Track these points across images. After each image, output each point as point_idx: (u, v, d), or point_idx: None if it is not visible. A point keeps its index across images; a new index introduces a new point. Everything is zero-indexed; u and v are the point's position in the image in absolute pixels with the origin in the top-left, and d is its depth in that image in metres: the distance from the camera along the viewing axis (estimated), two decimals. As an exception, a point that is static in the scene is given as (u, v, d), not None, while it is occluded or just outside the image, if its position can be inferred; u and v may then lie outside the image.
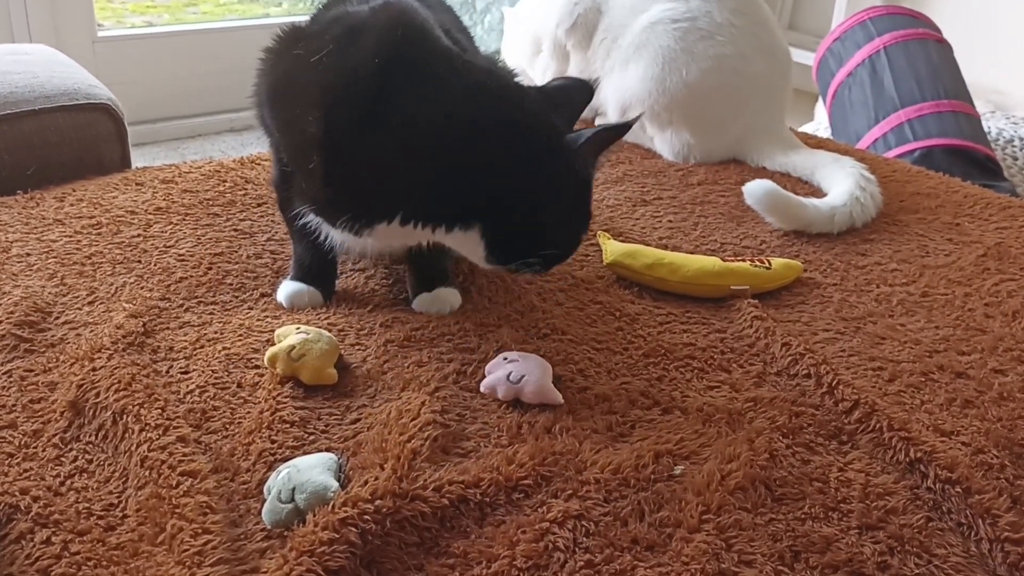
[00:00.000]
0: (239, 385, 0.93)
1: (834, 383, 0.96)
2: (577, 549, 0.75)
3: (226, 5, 3.54)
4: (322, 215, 1.02)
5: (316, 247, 1.07)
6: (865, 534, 0.79)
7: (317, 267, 1.10)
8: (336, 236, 1.03)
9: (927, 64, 2.40)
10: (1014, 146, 2.59)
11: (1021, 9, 2.96)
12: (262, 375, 0.94)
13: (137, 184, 1.36)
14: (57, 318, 1.03)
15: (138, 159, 2.04)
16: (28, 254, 1.16)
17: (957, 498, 0.82)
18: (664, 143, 1.65)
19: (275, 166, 1.10)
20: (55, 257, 1.15)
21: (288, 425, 0.87)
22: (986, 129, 2.46)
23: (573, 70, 1.75)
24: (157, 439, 0.83)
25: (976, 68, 2.56)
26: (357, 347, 1.00)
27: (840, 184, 1.42)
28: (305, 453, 0.83)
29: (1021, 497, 0.84)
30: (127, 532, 0.75)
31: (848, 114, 2.49)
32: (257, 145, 2.73)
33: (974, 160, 2.24)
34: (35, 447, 0.84)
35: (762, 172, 1.59)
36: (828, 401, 0.95)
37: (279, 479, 0.78)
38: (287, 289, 1.09)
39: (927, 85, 2.37)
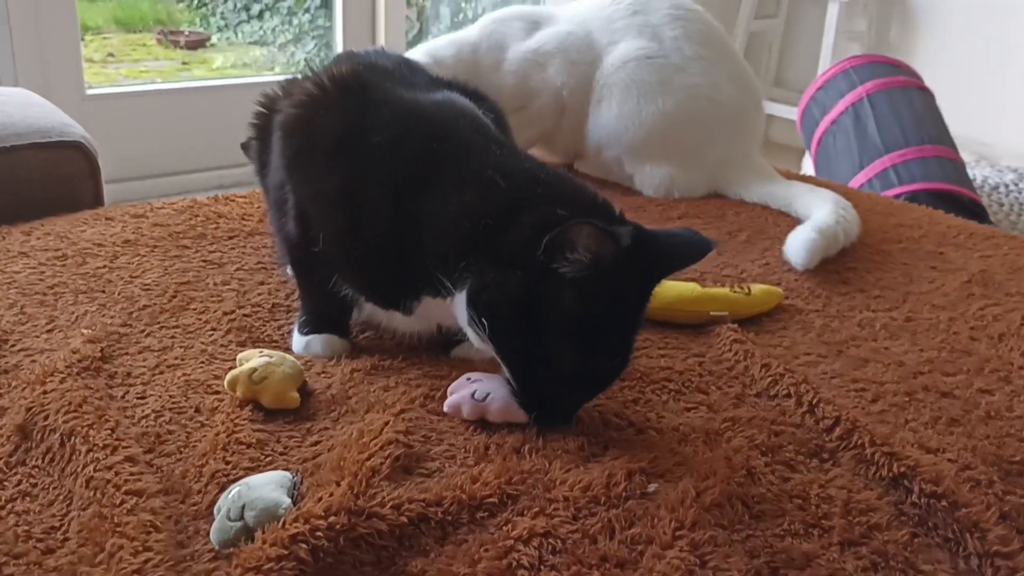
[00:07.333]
0: (197, 410, 0.90)
1: (815, 401, 0.93)
2: (543, 567, 0.71)
3: (220, 70, 3.58)
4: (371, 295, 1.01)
5: (341, 300, 1.02)
6: (847, 550, 0.75)
7: (339, 316, 1.05)
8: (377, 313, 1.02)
9: (910, 110, 2.42)
10: (999, 192, 2.60)
11: (1004, 62, 3.00)
12: (222, 400, 0.91)
13: (107, 219, 1.34)
14: (13, 345, 1.00)
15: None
16: (-10, 286, 1.13)
17: (943, 513, 0.78)
18: (644, 180, 1.64)
19: (294, 223, 1.01)
20: (17, 287, 1.12)
21: (244, 447, 0.83)
22: (971, 176, 2.47)
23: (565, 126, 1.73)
24: (104, 459, 0.79)
25: (960, 121, 2.57)
26: (323, 375, 0.97)
27: (820, 209, 1.40)
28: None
29: (1011, 512, 0.80)
30: (66, 554, 0.71)
31: (833, 161, 2.50)
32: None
33: (959, 204, 2.24)
34: (-22, 471, 0.80)
35: (742, 204, 1.58)
36: (809, 420, 0.92)
37: (229, 498, 0.74)
38: (319, 342, 1.03)
39: (911, 131, 2.38)
